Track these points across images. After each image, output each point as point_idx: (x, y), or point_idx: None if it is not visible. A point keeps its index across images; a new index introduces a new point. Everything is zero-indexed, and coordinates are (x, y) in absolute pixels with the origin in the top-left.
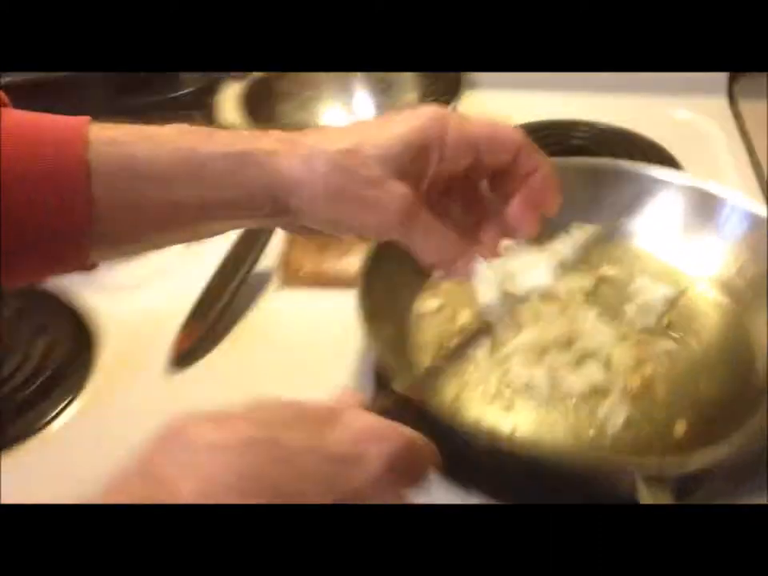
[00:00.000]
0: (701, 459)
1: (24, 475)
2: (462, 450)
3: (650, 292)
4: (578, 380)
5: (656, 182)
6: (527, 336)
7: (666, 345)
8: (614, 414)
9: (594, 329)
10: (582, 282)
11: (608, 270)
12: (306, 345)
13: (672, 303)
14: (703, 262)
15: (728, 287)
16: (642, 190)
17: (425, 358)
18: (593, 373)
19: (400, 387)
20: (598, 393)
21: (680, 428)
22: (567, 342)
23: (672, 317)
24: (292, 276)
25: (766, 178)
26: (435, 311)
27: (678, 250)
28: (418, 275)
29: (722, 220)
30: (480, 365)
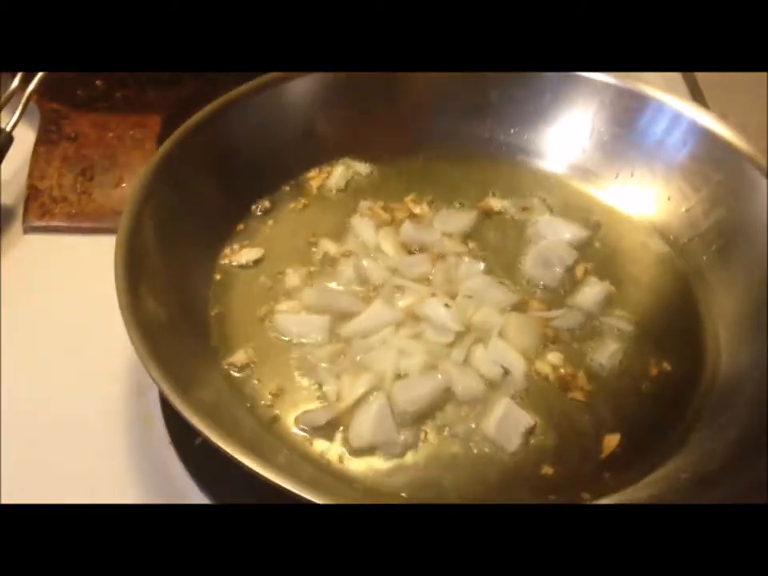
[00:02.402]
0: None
1: None
2: None
3: (555, 234)
4: (459, 374)
5: (563, 79)
6: (373, 312)
7: (576, 317)
8: (512, 424)
9: (481, 291)
10: (457, 220)
11: (496, 203)
12: (60, 313)
13: (584, 248)
14: (634, 194)
15: (671, 233)
16: (545, 89)
17: (237, 335)
18: (478, 360)
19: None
20: (488, 389)
21: (610, 443)
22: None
23: (587, 268)
24: (43, 213)
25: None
26: (252, 266)
27: (596, 173)
28: (227, 209)
29: (659, 135)
30: (315, 347)
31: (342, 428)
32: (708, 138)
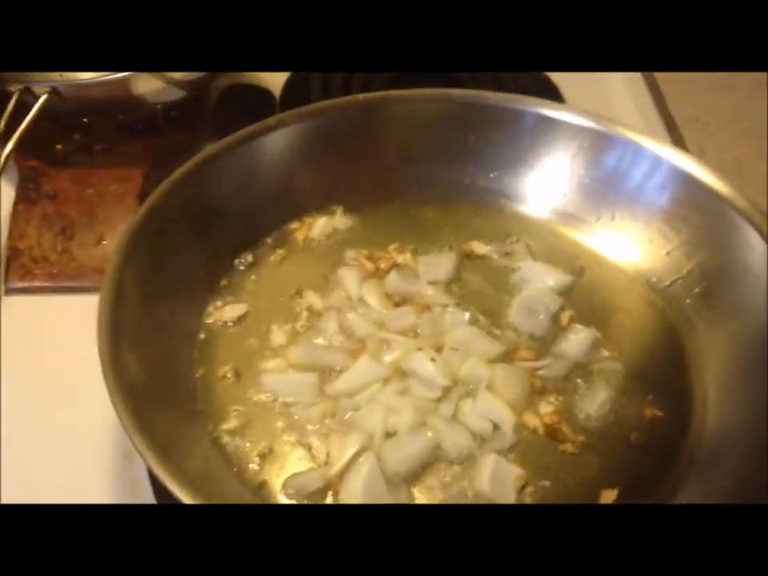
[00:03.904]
0: None
1: None
2: None
3: (539, 280)
4: (448, 431)
5: (541, 123)
6: (359, 369)
7: (563, 366)
8: (504, 479)
9: (467, 343)
10: (440, 266)
11: (478, 247)
12: (43, 376)
13: (568, 294)
14: (616, 237)
15: (654, 276)
16: (523, 133)
17: (223, 397)
18: (467, 415)
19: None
20: (477, 445)
21: (607, 498)
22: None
23: (572, 315)
24: (24, 274)
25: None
26: (236, 323)
27: (577, 217)
28: (210, 265)
29: (638, 178)
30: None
31: (332, 491)
32: (688, 182)
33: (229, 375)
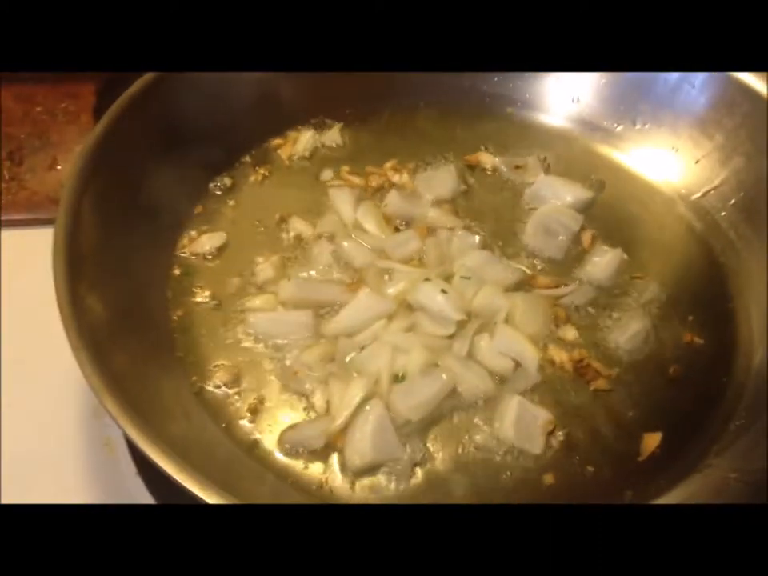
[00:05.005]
0: None
1: None
2: None
3: (555, 196)
4: (464, 372)
5: None
6: (360, 304)
7: (588, 292)
8: (530, 424)
9: (479, 270)
10: (443, 182)
11: (486, 159)
12: None
13: (589, 211)
14: (638, 146)
15: (683, 187)
16: None
17: (205, 342)
18: (484, 352)
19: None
20: (497, 386)
21: (650, 443)
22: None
23: (595, 234)
24: None
25: None
26: (215, 255)
27: (595, 124)
28: (181, 190)
29: (669, 79)
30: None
31: (337, 446)
32: (724, 80)
33: (210, 316)
